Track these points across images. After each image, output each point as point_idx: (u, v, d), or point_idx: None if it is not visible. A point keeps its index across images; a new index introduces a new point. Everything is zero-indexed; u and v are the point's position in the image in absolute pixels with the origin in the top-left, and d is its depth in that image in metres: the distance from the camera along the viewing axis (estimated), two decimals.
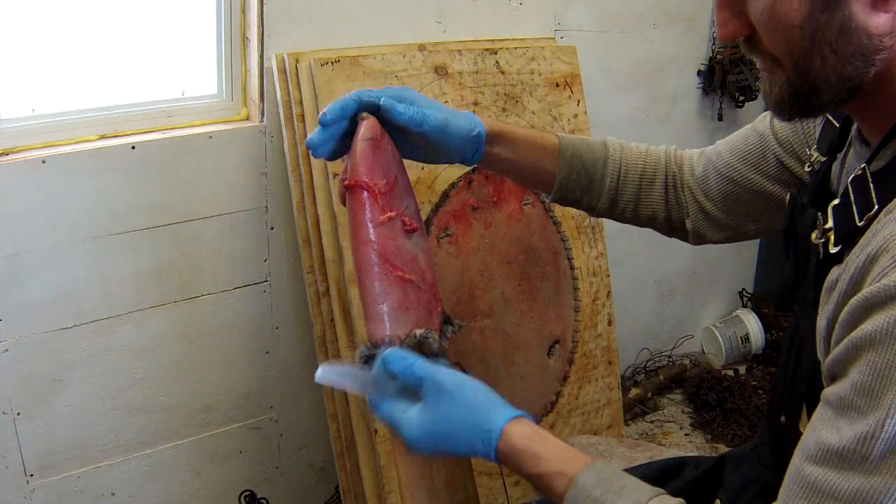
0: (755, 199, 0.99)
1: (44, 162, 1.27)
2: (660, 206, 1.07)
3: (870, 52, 0.61)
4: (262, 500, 1.67)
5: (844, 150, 0.77)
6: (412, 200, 0.93)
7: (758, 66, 0.70)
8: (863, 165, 0.67)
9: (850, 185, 0.67)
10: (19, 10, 1.26)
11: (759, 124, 0.98)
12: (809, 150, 0.85)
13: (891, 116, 0.65)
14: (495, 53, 1.56)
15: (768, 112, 0.97)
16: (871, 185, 0.65)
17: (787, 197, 0.92)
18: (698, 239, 1.07)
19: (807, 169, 0.82)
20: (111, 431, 1.46)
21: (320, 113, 0.88)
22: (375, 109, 0.89)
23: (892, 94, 0.64)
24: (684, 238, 1.10)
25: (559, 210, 1.64)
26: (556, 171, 1.04)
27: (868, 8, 0.60)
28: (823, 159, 0.80)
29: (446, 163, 0.97)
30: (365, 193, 0.86)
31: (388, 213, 0.86)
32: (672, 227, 1.09)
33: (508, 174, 1.09)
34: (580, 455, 0.73)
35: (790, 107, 0.67)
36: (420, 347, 0.86)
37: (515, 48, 1.59)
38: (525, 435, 0.73)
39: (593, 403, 1.73)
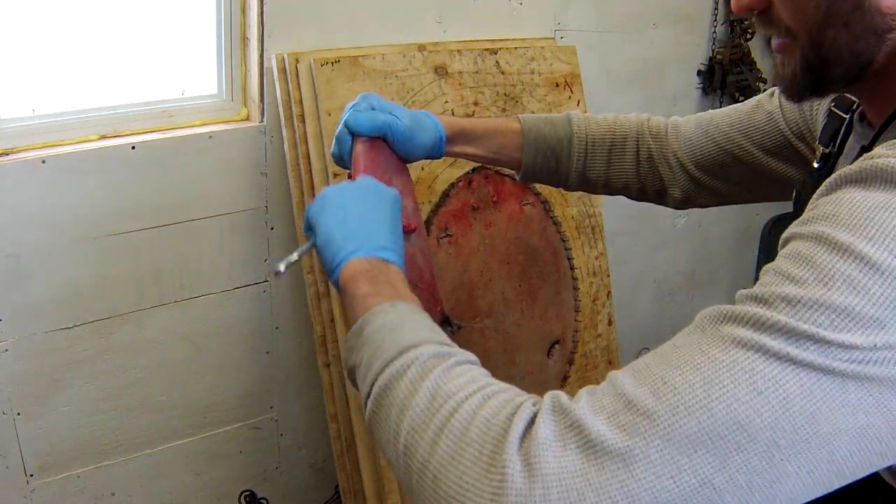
0: (756, 174, 0.99)
1: (44, 162, 1.27)
2: (631, 176, 1.09)
3: (882, 30, 0.61)
4: (262, 500, 1.67)
5: (848, 138, 0.77)
6: (410, 200, 0.94)
7: (772, 45, 0.69)
8: (859, 148, 0.67)
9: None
10: (19, 10, 1.26)
11: (766, 103, 0.98)
12: (814, 143, 0.85)
13: (894, 97, 0.65)
14: (495, 53, 1.56)
15: (774, 91, 0.98)
16: None
17: (790, 173, 0.91)
18: (686, 204, 1.08)
19: (815, 165, 0.82)
20: (111, 431, 1.46)
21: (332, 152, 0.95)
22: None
23: None
24: (660, 203, 1.11)
25: (559, 210, 1.64)
26: (522, 155, 1.05)
27: None
28: (826, 150, 0.80)
29: (409, 162, 1.01)
30: None
31: None
32: (646, 195, 1.11)
33: (475, 162, 1.12)
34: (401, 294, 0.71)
35: (802, 83, 0.66)
36: None
37: (515, 48, 1.59)
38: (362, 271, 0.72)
39: None
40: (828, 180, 0.57)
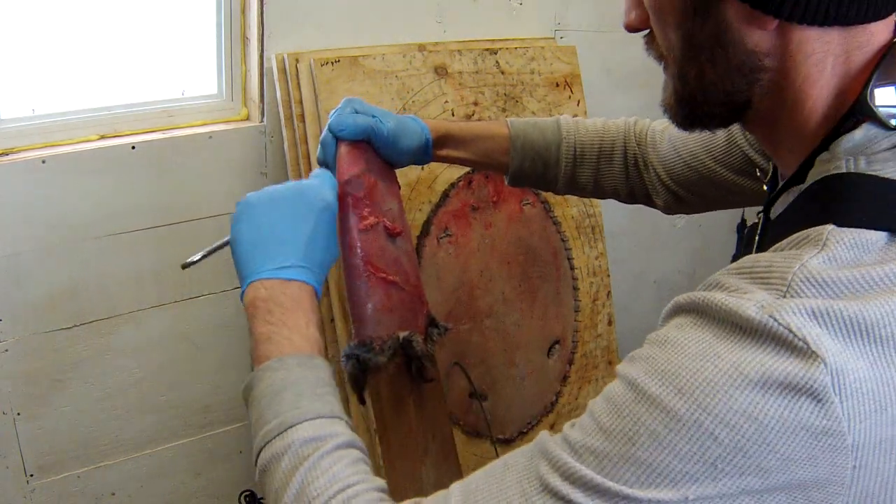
0: (723, 190, 0.98)
1: (44, 162, 1.27)
2: (620, 181, 1.08)
3: (750, 70, 0.57)
4: (262, 500, 1.67)
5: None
6: (396, 202, 0.95)
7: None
8: (759, 212, 0.64)
9: (745, 233, 0.66)
10: (19, 10, 1.26)
11: None
12: (769, 162, 0.82)
13: (793, 153, 0.60)
14: (495, 53, 1.56)
15: None
16: (757, 237, 0.62)
17: (759, 189, 0.91)
18: (670, 211, 1.08)
19: (765, 187, 0.78)
20: (111, 431, 1.46)
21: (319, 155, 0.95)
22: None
23: (790, 128, 0.59)
24: (650, 206, 1.10)
25: (559, 210, 1.64)
26: (509, 160, 1.05)
27: (743, 21, 0.55)
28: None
29: (397, 167, 1.00)
30: (348, 199, 0.89)
31: (369, 220, 0.89)
32: (635, 199, 1.11)
33: (463, 166, 1.12)
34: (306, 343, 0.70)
35: (677, 114, 0.64)
36: (404, 349, 0.88)
37: (515, 48, 1.59)
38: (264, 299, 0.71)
39: None
40: (669, 305, 0.56)
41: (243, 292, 0.73)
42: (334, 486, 0.60)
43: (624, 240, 2.07)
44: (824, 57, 0.55)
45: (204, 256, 0.81)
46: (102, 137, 1.36)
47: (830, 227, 0.51)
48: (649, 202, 1.09)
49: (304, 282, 0.73)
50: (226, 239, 0.79)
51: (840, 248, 0.50)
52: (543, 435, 0.56)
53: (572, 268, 1.67)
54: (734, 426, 0.47)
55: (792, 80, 0.57)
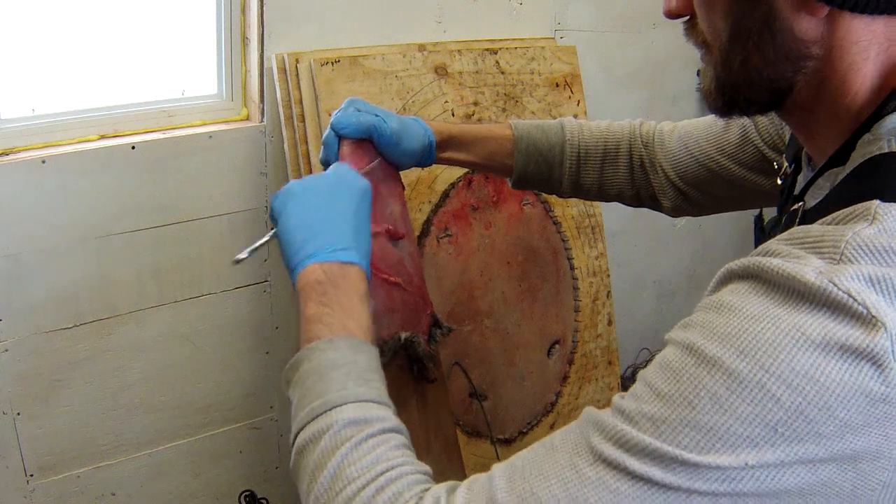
0: (738, 188, 0.98)
1: (44, 162, 1.27)
2: (625, 183, 1.07)
3: (796, 58, 0.57)
4: (262, 500, 1.67)
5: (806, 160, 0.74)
6: (399, 205, 0.94)
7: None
8: (799, 204, 0.64)
9: (783, 221, 0.66)
10: (19, 10, 1.26)
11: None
12: (782, 157, 0.82)
13: (831, 139, 0.61)
14: (495, 53, 1.56)
15: None
16: (798, 220, 0.63)
17: (771, 185, 0.91)
18: (678, 213, 1.08)
19: (779, 181, 0.78)
20: (111, 431, 1.46)
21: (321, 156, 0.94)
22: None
23: (831, 114, 0.60)
24: (655, 209, 1.10)
25: (559, 210, 1.64)
26: (513, 163, 1.05)
27: (793, 8, 0.55)
28: (789, 170, 0.77)
29: (400, 169, 1.00)
30: None
31: (373, 229, 0.88)
32: (641, 202, 1.10)
33: (466, 168, 1.11)
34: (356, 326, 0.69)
35: (716, 100, 0.64)
36: (406, 349, 0.87)
37: (515, 48, 1.59)
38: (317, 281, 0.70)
39: (593, 403, 1.73)
40: (718, 273, 0.55)
41: (296, 278, 0.72)
42: (377, 467, 0.57)
43: (624, 240, 2.07)
44: (869, 45, 0.56)
45: (252, 252, 0.81)
46: (102, 137, 1.36)
47: (877, 202, 0.51)
48: (656, 205, 1.08)
49: (360, 266, 0.73)
50: (270, 233, 0.79)
51: (890, 221, 0.50)
52: (590, 409, 0.55)
53: (572, 268, 1.67)
54: (796, 387, 0.47)
55: (836, 67, 0.57)
